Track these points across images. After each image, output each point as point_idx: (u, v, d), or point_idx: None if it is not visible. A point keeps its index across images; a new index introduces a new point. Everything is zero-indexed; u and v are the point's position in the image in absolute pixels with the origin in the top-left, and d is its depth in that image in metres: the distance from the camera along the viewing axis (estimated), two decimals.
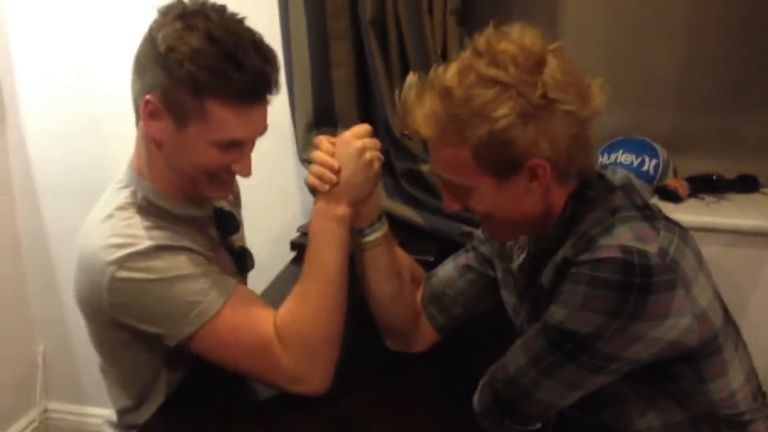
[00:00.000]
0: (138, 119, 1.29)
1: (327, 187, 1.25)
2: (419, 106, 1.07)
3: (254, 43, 1.19)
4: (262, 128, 1.26)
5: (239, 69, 1.16)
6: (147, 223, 1.25)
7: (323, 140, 1.28)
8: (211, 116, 1.18)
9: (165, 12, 1.20)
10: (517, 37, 1.06)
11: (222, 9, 1.21)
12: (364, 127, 1.29)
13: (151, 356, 1.32)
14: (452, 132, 1.05)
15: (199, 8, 1.19)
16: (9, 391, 2.49)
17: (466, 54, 1.06)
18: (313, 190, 1.28)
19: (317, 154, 1.27)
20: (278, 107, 1.98)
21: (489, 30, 1.08)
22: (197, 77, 1.15)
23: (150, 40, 1.20)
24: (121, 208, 1.27)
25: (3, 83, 2.30)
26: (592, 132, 1.08)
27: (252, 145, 1.27)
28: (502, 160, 1.05)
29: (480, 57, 1.04)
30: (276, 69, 1.22)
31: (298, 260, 1.89)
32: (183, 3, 1.21)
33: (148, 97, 1.20)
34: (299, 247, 1.92)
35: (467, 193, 1.11)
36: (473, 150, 1.04)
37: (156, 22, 1.20)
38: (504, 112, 1.01)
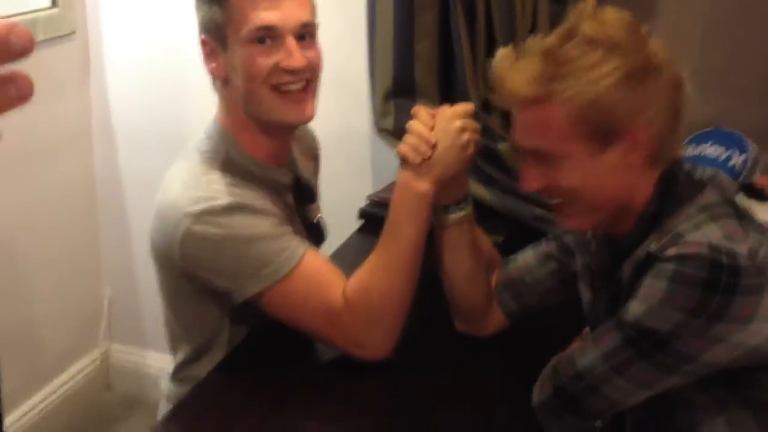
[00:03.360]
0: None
1: (419, 159, 1.23)
2: (515, 71, 1.03)
3: None
4: (294, 16, 1.25)
5: None
6: (228, 180, 1.26)
7: (422, 111, 1.26)
8: (235, 11, 1.23)
9: None
10: (620, 13, 1.04)
11: None
12: (467, 107, 1.26)
13: (217, 309, 1.34)
14: (553, 92, 1.00)
15: None
16: (74, 331, 2.57)
17: (567, 22, 1.03)
18: (404, 160, 1.25)
19: (415, 125, 1.24)
20: (356, 73, 2.00)
21: (591, 1, 1.05)
22: None
23: None
24: (203, 162, 1.28)
25: (89, 33, 2.33)
26: (684, 122, 1.05)
27: (293, 37, 1.25)
28: (602, 124, 1.01)
29: (587, 19, 1.01)
30: None
31: (365, 229, 1.89)
32: None
33: (201, 38, 1.28)
34: (367, 215, 1.91)
35: (556, 165, 1.05)
36: (574, 111, 1.00)
37: None
38: (609, 70, 0.98)
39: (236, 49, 1.25)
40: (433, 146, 1.22)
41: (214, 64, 1.29)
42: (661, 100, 1.01)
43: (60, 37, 2.23)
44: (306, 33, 1.28)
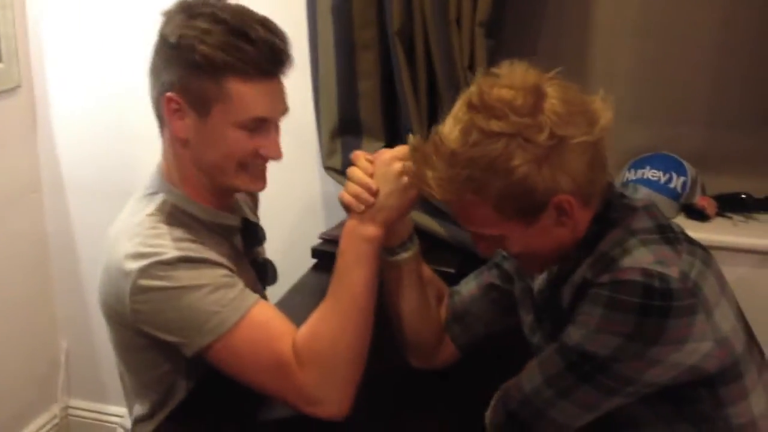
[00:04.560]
0: (161, 125, 1.32)
1: (362, 207, 1.22)
2: (429, 169, 1.06)
3: (260, 20, 1.24)
4: (284, 107, 1.28)
5: (250, 43, 1.20)
6: (175, 233, 1.25)
7: (361, 157, 1.26)
8: (232, 95, 1.22)
9: (167, 11, 1.26)
10: (508, 78, 1.04)
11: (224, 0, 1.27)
12: (405, 149, 1.24)
13: (171, 364, 1.32)
14: (469, 192, 1.03)
15: (200, 1, 1.25)
16: (31, 387, 2.52)
17: (462, 110, 1.04)
18: (347, 208, 1.25)
19: (355, 172, 1.24)
20: (302, 113, 2.02)
21: (478, 79, 1.06)
22: (212, 57, 1.20)
23: (160, 39, 1.25)
24: (149, 215, 1.27)
25: (35, 86, 2.33)
26: (606, 148, 1.06)
27: (276, 127, 1.29)
28: (525, 206, 1.04)
29: (477, 111, 1.02)
30: (287, 43, 1.26)
31: (318, 267, 1.90)
32: (185, 1, 1.26)
33: (168, 95, 1.24)
34: (320, 254, 1.92)
35: (499, 240, 1.10)
36: (494, 204, 1.03)
37: (162, 22, 1.25)
38: (517, 162, 0.99)
39: (218, 126, 1.24)
40: (375, 193, 1.22)
41: (179, 123, 1.26)
42: (573, 161, 1.02)
43: (5, 91, 2.23)
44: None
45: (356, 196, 1.23)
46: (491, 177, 1.01)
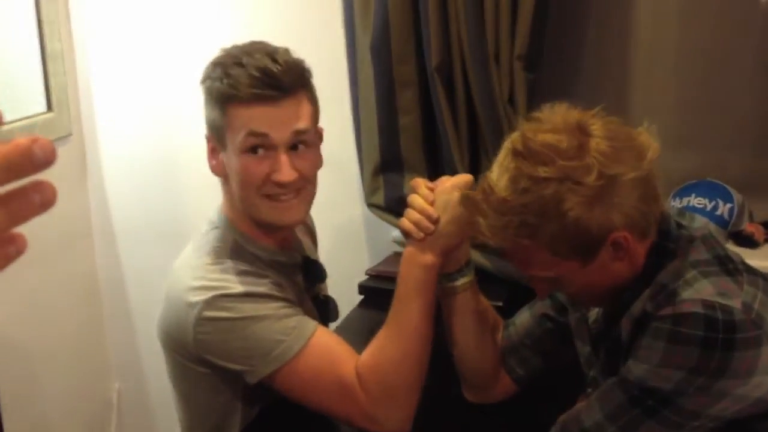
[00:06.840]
0: None
1: (422, 235, 1.24)
2: (481, 217, 1.06)
3: (268, 51, 1.26)
4: (287, 124, 1.26)
5: (240, 67, 1.23)
6: (239, 268, 1.28)
7: (422, 185, 1.28)
8: (233, 121, 1.26)
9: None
10: (550, 122, 1.05)
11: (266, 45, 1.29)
12: (466, 178, 1.29)
13: (228, 392, 1.35)
14: (523, 237, 1.04)
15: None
16: (84, 428, 2.54)
17: (508, 158, 1.05)
18: (407, 235, 1.27)
19: (416, 200, 1.26)
20: (345, 151, 2.05)
21: (521, 125, 1.07)
22: (214, 89, 1.26)
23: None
24: (213, 250, 1.31)
25: (85, 134, 2.40)
26: (657, 178, 1.05)
27: (286, 147, 1.27)
28: (581, 246, 1.04)
29: (523, 158, 1.02)
30: (286, 69, 1.24)
31: (365, 304, 1.90)
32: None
33: (206, 134, 1.32)
34: (367, 290, 1.93)
35: (556, 281, 1.11)
36: (549, 247, 1.04)
37: None
38: (569, 205, 0.99)
39: (232, 157, 1.28)
40: (436, 221, 1.24)
41: (214, 162, 1.33)
42: (625, 197, 1.01)
43: (57, 139, 2.29)
44: (299, 142, 1.29)
45: (417, 224, 1.25)
46: (544, 221, 1.01)
